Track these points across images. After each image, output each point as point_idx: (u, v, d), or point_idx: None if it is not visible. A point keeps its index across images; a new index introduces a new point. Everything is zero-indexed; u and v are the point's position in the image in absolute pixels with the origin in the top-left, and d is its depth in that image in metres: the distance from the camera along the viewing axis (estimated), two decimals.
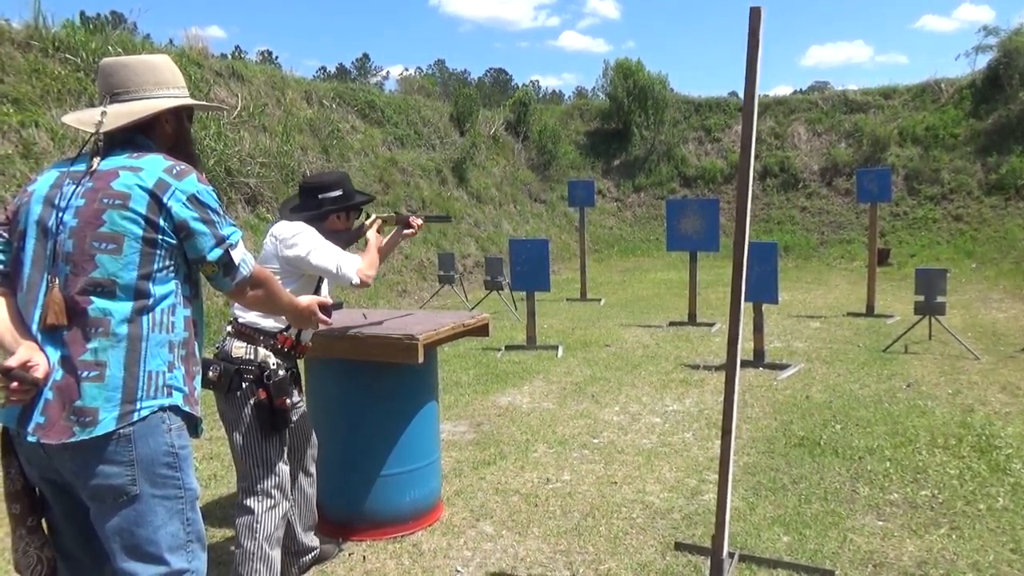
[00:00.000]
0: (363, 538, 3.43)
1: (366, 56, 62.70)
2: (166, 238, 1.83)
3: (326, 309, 2.44)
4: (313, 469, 3.20)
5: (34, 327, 1.78)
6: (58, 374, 1.74)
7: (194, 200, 1.87)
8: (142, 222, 1.79)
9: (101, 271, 1.77)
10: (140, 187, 1.81)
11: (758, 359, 6.57)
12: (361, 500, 3.43)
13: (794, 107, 18.85)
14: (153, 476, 1.81)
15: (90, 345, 1.75)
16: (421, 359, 3.23)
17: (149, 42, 11.26)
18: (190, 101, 2.05)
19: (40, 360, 1.74)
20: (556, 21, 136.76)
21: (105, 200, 1.79)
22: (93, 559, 1.94)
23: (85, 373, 1.74)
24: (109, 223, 1.78)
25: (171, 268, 1.86)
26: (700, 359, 6.97)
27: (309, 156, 11.97)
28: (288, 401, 2.77)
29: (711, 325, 8.57)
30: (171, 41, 12.07)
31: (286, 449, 2.87)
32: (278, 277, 2.58)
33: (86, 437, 1.72)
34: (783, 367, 6.51)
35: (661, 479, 4.13)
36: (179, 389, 1.86)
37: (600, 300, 10.98)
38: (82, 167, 1.86)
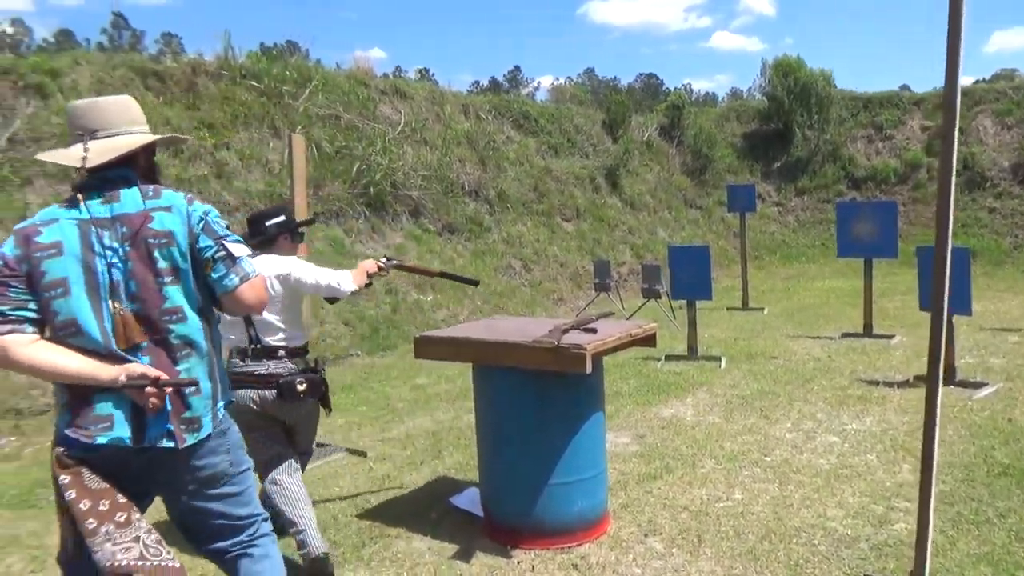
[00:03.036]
0: (531, 547, 3.44)
1: (517, 68, 63.93)
2: (196, 259, 2.11)
3: None
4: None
5: (113, 347, 1.99)
6: None
7: (203, 220, 2.14)
8: (188, 254, 2.09)
9: (171, 302, 2.05)
10: (179, 223, 2.08)
11: (950, 376, 5.99)
12: (529, 508, 3.44)
13: (979, 98, 17.13)
14: (238, 455, 2.25)
15: (181, 366, 2.06)
16: (589, 369, 3.20)
17: (320, 66, 12.05)
18: (158, 136, 2.27)
19: (155, 371, 2.00)
20: (707, 22, 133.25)
21: (151, 240, 2.04)
22: None
23: (187, 390, 2.05)
24: (162, 260, 2.04)
25: (201, 282, 2.14)
26: (880, 374, 6.46)
27: (467, 167, 12.32)
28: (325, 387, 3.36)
29: (889, 337, 7.93)
30: (338, 65, 12.89)
31: None
32: (290, 308, 3.27)
33: (195, 441, 2.08)
34: (979, 386, 5.89)
35: (843, 504, 3.85)
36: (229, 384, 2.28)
37: (763, 309, 10.48)
38: (103, 213, 2.04)
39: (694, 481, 4.22)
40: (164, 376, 1.99)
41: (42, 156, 2.24)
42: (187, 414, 2.05)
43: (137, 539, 1.93)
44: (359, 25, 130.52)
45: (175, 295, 2.06)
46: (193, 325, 2.09)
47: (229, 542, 2.26)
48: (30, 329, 1.98)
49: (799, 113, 18.40)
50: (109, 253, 2.01)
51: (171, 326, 2.05)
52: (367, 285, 3.47)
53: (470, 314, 9.62)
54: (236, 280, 2.13)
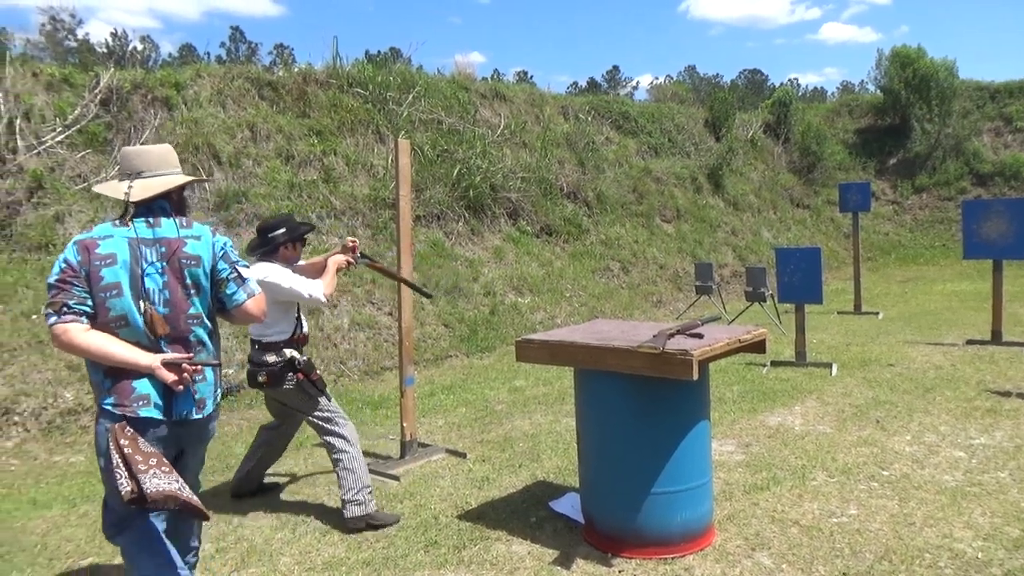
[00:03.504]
0: (633, 555, 3.36)
1: (616, 68, 63.28)
2: (214, 279, 2.73)
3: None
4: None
5: (151, 338, 2.58)
6: None
7: (223, 249, 2.79)
8: (209, 274, 2.71)
9: (195, 308, 2.67)
10: (206, 250, 2.71)
11: None
12: (631, 516, 3.36)
13: None
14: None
15: (196, 359, 2.65)
16: (696, 375, 3.10)
17: (423, 72, 12.31)
18: (190, 178, 2.94)
19: (183, 356, 2.61)
20: (816, 13, 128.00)
21: (184, 261, 2.64)
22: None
23: (197, 377, 2.65)
24: (190, 277, 2.65)
25: (213, 297, 2.75)
26: (1011, 385, 5.99)
27: (566, 169, 12.29)
28: (316, 373, 3.87)
29: (1022, 345, 7.35)
30: (439, 70, 13.11)
31: (329, 400, 3.94)
32: (270, 310, 3.59)
33: (203, 416, 2.70)
34: None
35: (972, 524, 3.57)
36: None
37: (878, 313, 9.94)
38: (148, 234, 2.62)
39: (804, 494, 4.02)
40: (189, 361, 2.60)
41: (96, 188, 2.92)
42: (198, 396, 2.67)
43: (177, 480, 2.49)
44: (461, 29, 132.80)
45: (198, 305, 2.68)
46: (207, 330, 2.72)
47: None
48: (86, 320, 2.50)
49: (918, 106, 17.42)
50: (148, 266, 2.58)
51: (193, 328, 2.66)
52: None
53: (567, 316, 9.58)
54: (244, 296, 2.78)
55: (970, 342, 7.68)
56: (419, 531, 3.77)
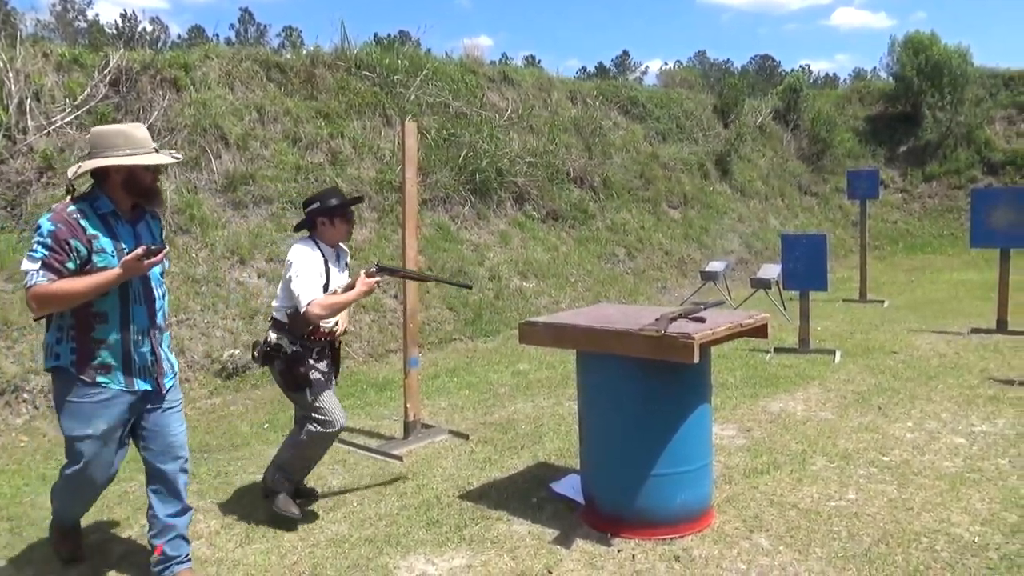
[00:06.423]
0: (632, 536, 3.40)
1: (625, 53, 62.95)
2: None
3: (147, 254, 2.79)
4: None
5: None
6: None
7: None
8: None
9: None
10: None
11: None
12: (632, 497, 3.40)
13: None
14: None
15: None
16: (696, 359, 3.12)
17: (431, 55, 12.27)
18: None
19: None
20: None
21: None
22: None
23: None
24: None
25: None
26: (1015, 374, 5.99)
27: (573, 154, 12.26)
28: (301, 369, 3.59)
29: None
30: (447, 53, 13.03)
31: (318, 394, 3.63)
32: (283, 289, 3.64)
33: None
34: None
35: (970, 510, 3.60)
36: None
37: (883, 302, 9.92)
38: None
39: (804, 478, 4.05)
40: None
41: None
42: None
43: None
44: (470, 13, 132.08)
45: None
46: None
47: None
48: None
49: (930, 93, 17.27)
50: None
51: None
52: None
53: (572, 301, 9.60)
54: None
55: (975, 331, 7.67)
56: (421, 510, 3.82)
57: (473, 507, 3.84)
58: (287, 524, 3.65)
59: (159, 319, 3.01)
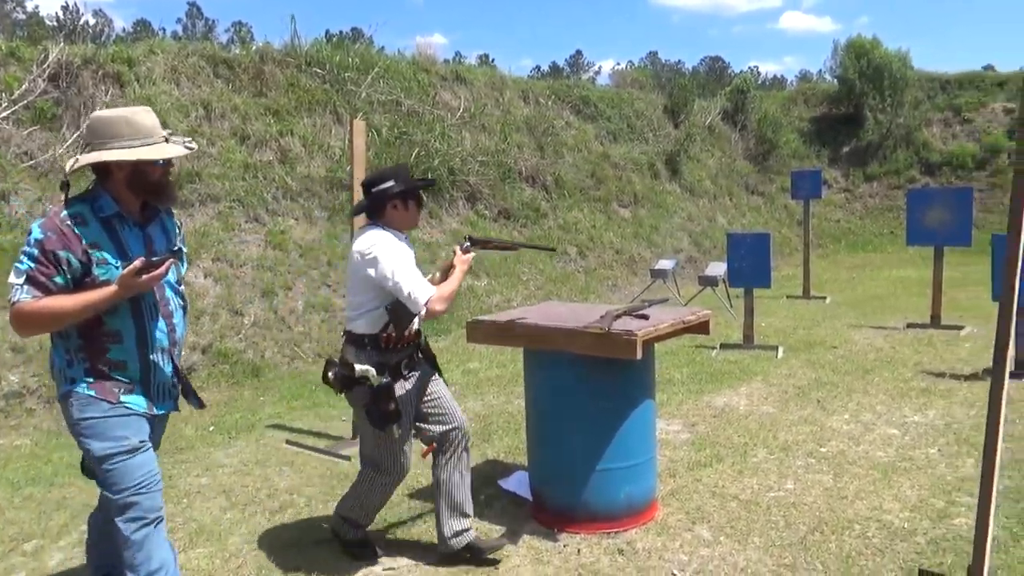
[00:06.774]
0: (578, 531, 3.46)
1: (579, 53, 63.37)
2: None
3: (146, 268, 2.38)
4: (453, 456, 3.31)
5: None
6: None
7: None
8: None
9: None
10: None
11: (1020, 369, 5.75)
12: (577, 492, 3.46)
13: None
14: None
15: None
16: (639, 355, 3.19)
17: (383, 53, 12.19)
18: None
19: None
20: (777, 2, 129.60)
21: None
22: None
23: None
24: None
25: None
26: (946, 367, 6.24)
27: (525, 154, 12.32)
28: (392, 405, 3.00)
29: (959, 328, 7.65)
30: (400, 51, 12.96)
31: (393, 438, 3.13)
32: (361, 291, 3.01)
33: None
34: None
35: (901, 497, 3.75)
36: None
37: (825, 298, 10.21)
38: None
39: (745, 470, 4.17)
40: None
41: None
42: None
43: None
44: (423, 11, 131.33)
45: None
46: None
47: None
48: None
49: (871, 96, 17.79)
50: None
51: None
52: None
53: (523, 299, 9.66)
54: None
55: (910, 326, 7.96)
56: None
57: (422, 505, 3.86)
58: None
59: (179, 334, 2.62)
